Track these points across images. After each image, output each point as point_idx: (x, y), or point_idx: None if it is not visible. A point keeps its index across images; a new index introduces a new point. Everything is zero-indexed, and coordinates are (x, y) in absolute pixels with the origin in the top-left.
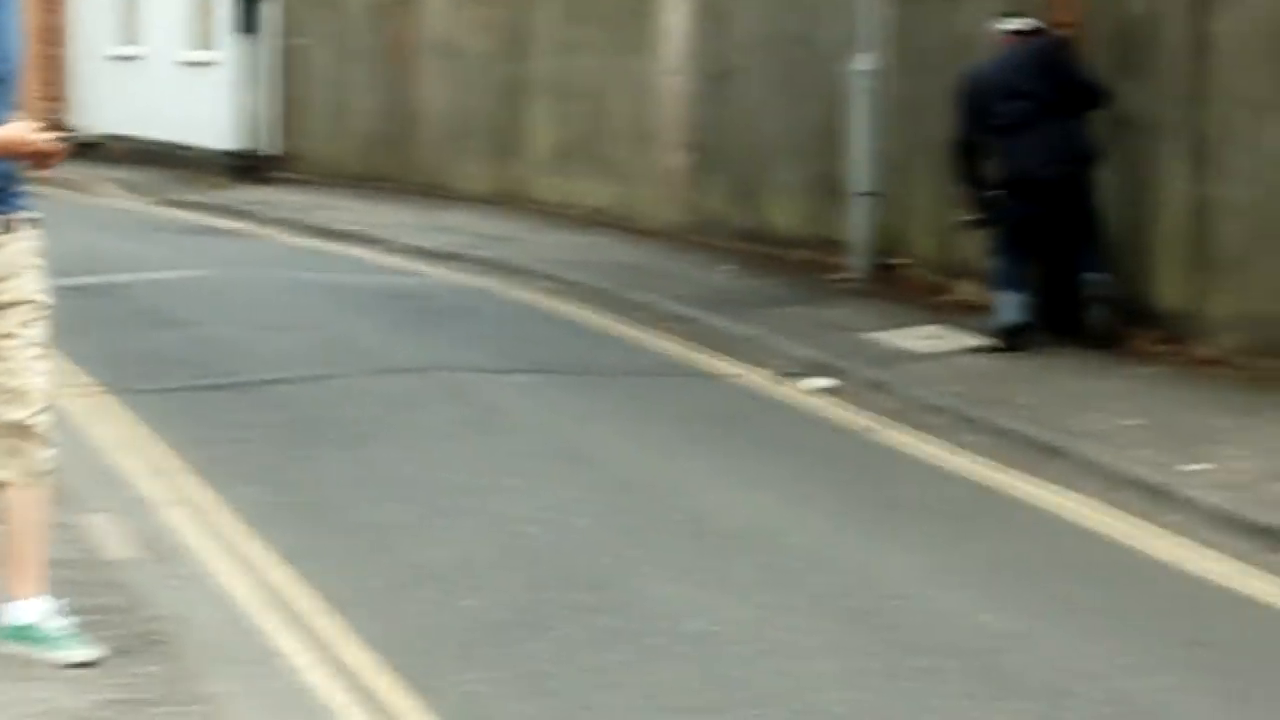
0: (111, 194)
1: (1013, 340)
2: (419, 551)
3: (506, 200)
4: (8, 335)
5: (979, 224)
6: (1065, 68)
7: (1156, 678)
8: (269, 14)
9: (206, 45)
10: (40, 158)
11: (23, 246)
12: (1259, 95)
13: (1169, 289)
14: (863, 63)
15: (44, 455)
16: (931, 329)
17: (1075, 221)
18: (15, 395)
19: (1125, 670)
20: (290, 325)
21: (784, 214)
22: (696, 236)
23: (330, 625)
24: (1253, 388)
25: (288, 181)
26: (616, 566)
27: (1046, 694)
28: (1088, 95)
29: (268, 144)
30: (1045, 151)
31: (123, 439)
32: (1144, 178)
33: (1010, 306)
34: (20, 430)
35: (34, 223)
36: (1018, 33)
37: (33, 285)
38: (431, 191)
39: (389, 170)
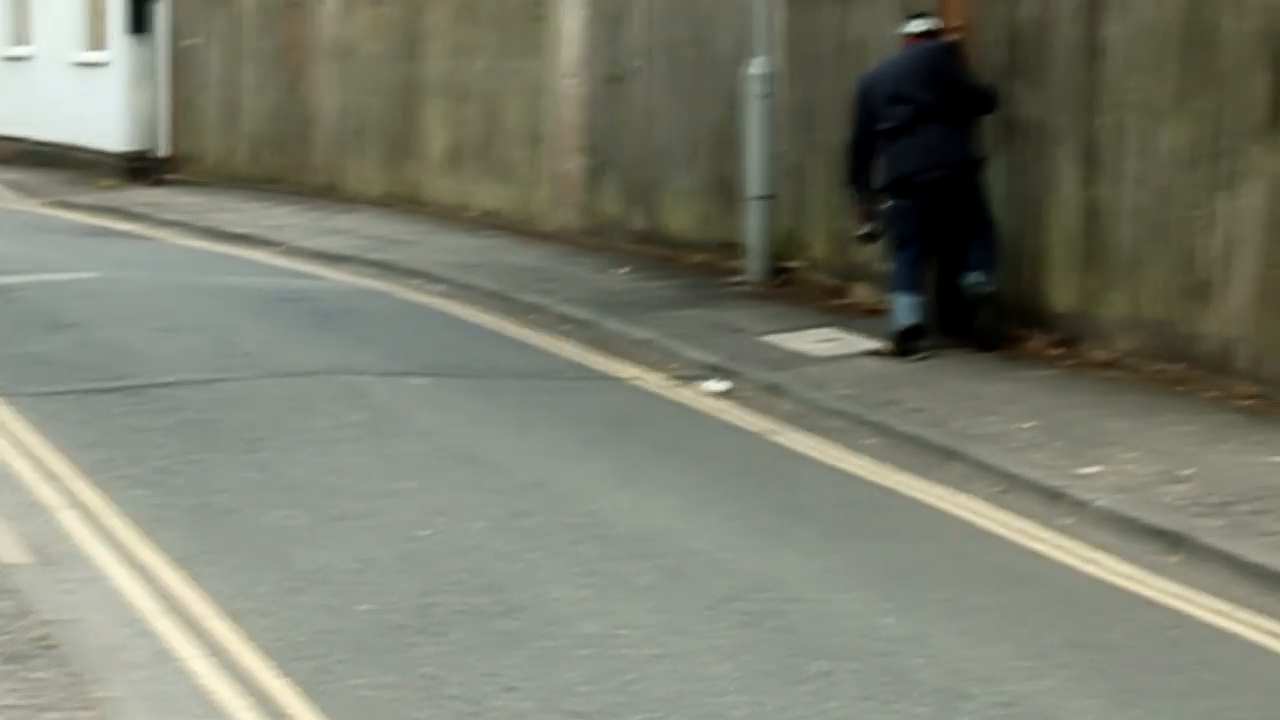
0: (0, 196)
1: (908, 343)
2: (313, 555)
3: (401, 202)
4: None
5: (869, 237)
6: (952, 72)
7: (1049, 680)
8: (161, 14)
9: (98, 45)
10: None
11: None
12: (1149, 99)
13: (1062, 292)
14: (757, 67)
15: None
16: (827, 332)
17: (959, 224)
18: None
19: (1019, 672)
20: (183, 328)
21: (680, 217)
22: (592, 240)
23: (224, 630)
24: (1145, 390)
25: (180, 183)
26: (513, 570)
27: (941, 697)
28: (975, 100)
29: (160, 145)
30: (923, 156)
31: (12, 443)
32: (1036, 181)
33: (905, 309)
34: None
35: None
36: (916, 35)
37: None
38: (325, 193)
39: (282, 172)
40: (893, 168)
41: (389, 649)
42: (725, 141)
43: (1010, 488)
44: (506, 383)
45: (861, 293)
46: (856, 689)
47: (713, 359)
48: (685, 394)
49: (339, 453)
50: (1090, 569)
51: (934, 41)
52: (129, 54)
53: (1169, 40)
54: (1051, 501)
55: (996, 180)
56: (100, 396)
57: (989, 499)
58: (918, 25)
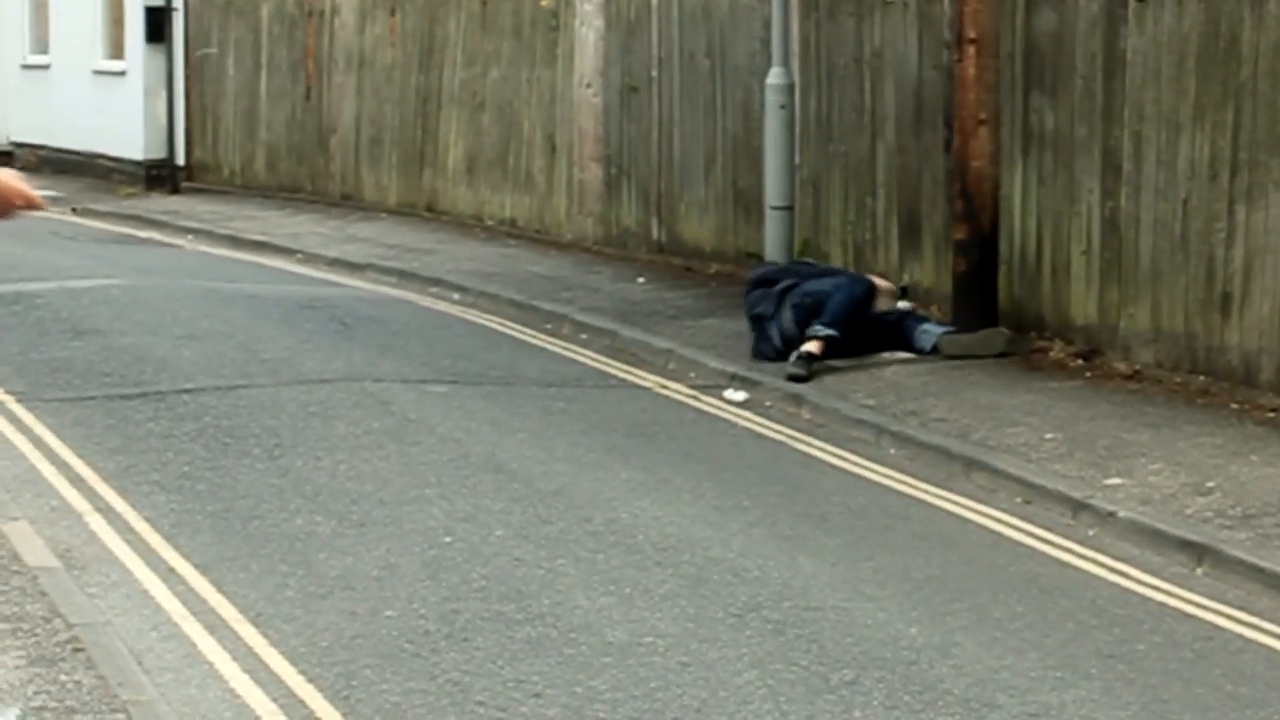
0: None
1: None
2: (337, 561)
3: (418, 211)
4: None
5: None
6: None
7: (1077, 690)
8: (178, 24)
9: (117, 54)
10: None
11: None
12: (1169, 111)
13: (1083, 303)
14: (775, 77)
15: None
16: None
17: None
18: None
19: (1046, 683)
20: (205, 335)
21: (698, 227)
22: (610, 249)
23: (250, 634)
24: (1168, 401)
25: (199, 191)
26: (536, 577)
27: (969, 706)
28: None
29: (179, 153)
30: None
31: (38, 447)
32: (1056, 193)
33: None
34: None
35: None
36: None
37: None
38: (343, 202)
39: (300, 180)
40: None
41: (415, 655)
42: (743, 152)
43: (1034, 498)
44: (527, 390)
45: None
46: (883, 698)
47: (732, 368)
48: (705, 403)
49: (361, 460)
50: (1116, 580)
51: None
52: (147, 63)
53: (1189, 52)
54: (1076, 512)
55: (1016, 192)
56: (123, 403)
57: (1012, 510)
58: None
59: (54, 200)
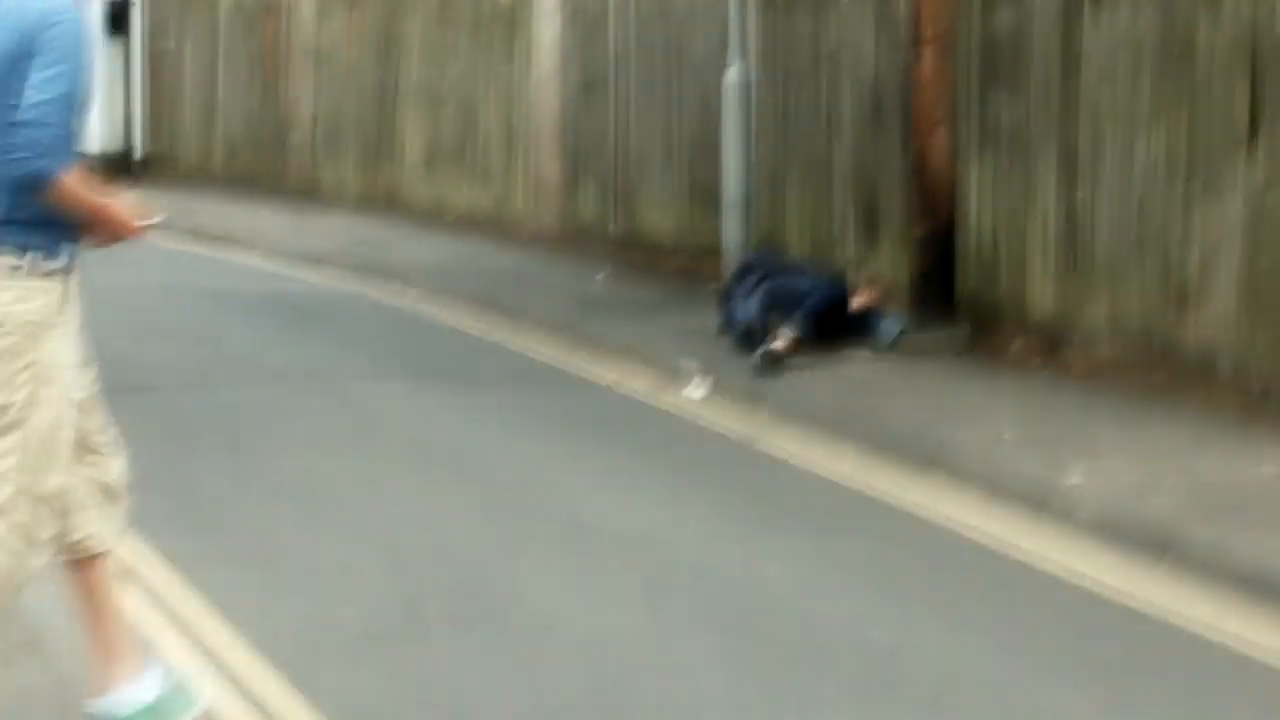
0: None
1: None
2: (297, 559)
3: (378, 205)
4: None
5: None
6: None
7: (1043, 687)
8: (138, 17)
9: None
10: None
11: None
12: (1127, 109)
13: (1042, 299)
14: (733, 74)
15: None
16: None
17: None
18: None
19: (1011, 681)
20: (165, 330)
21: (658, 222)
22: (570, 244)
23: (212, 632)
24: (1128, 398)
25: (159, 184)
26: (497, 575)
27: (933, 705)
28: None
29: (138, 147)
30: None
31: None
32: (1015, 189)
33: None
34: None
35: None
36: None
37: None
38: (303, 196)
39: (260, 174)
40: None
41: (375, 653)
42: (702, 147)
43: (996, 494)
44: (487, 386)
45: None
46: (842, 697)
47: (695, 362)
48: (666, 398)
49: (321, 456)
50: (1079, 576)
51: None
52: (108, 55)
53: (1146, 51)
54: (1036, 509)
55: (974, 189)
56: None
57: (974, 505)
58: None
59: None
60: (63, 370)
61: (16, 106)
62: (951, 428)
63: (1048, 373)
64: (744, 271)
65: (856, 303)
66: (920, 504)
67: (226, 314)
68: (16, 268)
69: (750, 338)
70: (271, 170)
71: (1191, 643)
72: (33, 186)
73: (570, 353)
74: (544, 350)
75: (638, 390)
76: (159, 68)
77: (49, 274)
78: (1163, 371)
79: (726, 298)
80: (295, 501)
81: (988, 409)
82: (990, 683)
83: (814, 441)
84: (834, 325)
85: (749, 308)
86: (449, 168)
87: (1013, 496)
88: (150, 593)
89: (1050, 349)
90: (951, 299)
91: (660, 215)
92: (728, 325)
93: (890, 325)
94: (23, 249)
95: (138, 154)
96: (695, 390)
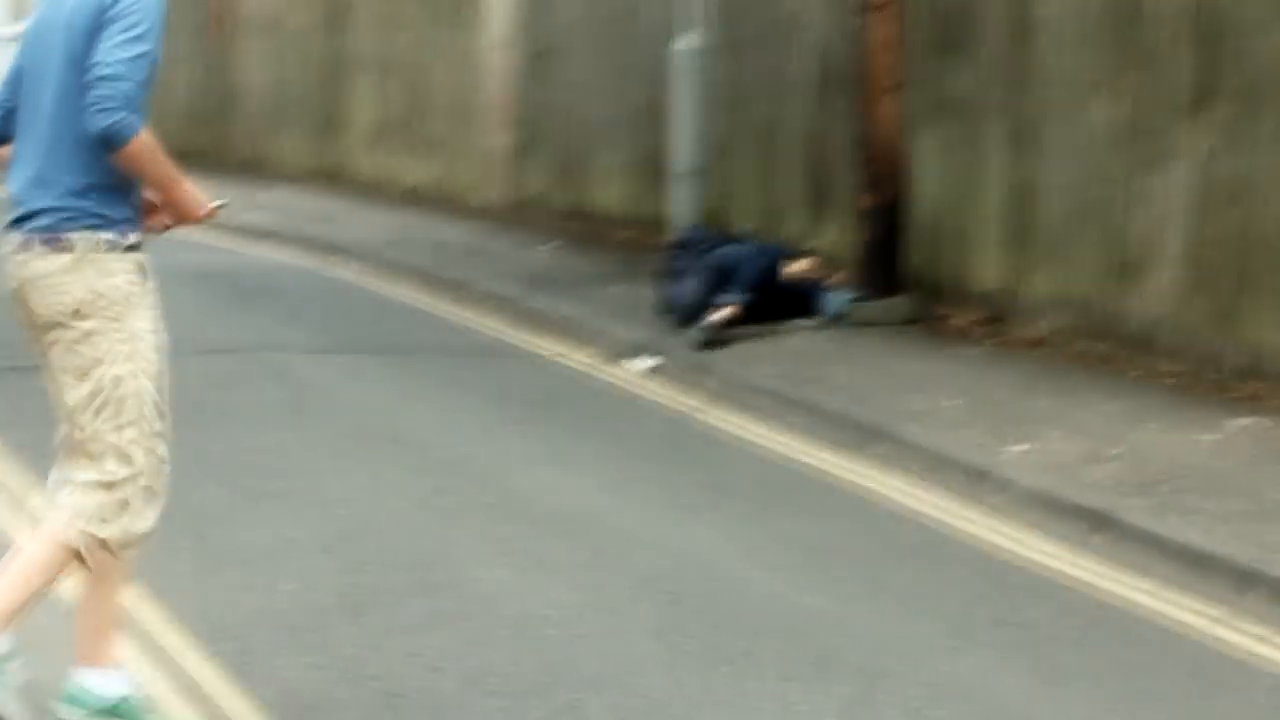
0: None
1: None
2: (233, 534)
3: (327, 177)
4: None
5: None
6: None
7: (972, 659)
8: None
9: (22, 16)
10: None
11: None
12: (1077, 78)
13: (989, 270)
14: (686, 42)
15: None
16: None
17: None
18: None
19: (942, 652)
20: None
21: (608, 193)
22: (519, 215)
23: (145, 610)
24: (1071, 369)
25: None
26: (436, 549)
27: (863, 676)
28: None
29: None
30: None
31: None
32: (964, 159)
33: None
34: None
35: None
36: None
37: None
38: (250, 168)
39: (207, 147)
40: None
41: (311, 629)
42: (654, 117)
43: (934, 466)
44: (430, 360)
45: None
46: (777, 668)
47: (638, 337)
48: (611, 371)
49: (259, 431)
50: (1015, 548)
51: None
52: None
53: (1097, 19)
54: (977, 480)
55: (923, 158)
56: (16, 375)
57: (914, 477)
58: None
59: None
60: (151, 340)
61: (96, 70)
62: (894, 399)
63: (991, 343)
64: (679, 251)
65: (794, 268)
66: (862, 474)
67: (165, 288)
68: (107, 242)
69: (692, 313)
70: (217, 143)
71: (1126, 614)
72: (112, 140)
73: (515, 326)
74: (489, 323)
75: (582, 363)
76: None
77: (131, 247)
78: (1106, 343)
79: (664, 279)
80: (231, 477)
81: (930, 381)
82: (921, 655)
83: (757, 414)
84: (778, 299)
85: (688, 285)
86: (397, 139)
87: (953, 468)
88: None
89: (995, 320)
90: (898, 271)
91: (609, 187)
92: (669, 306)
93: (837, 298)
94: (108, 223)
95: None
96: (640, 363)
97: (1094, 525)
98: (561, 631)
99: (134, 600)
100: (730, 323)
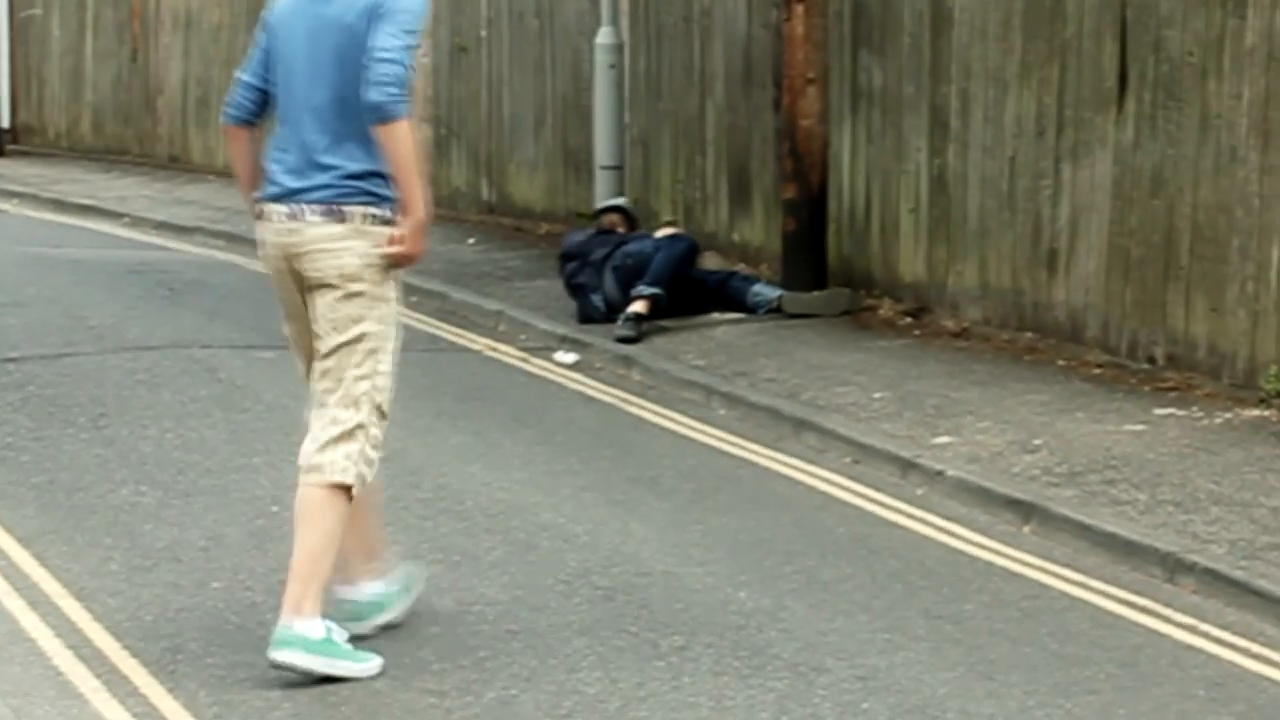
0: None
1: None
2: (163, 532)
3: None
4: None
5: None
6: None
7: (905, 652)
8: None
9: None
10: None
11: None
12: (996, 69)
13: (911, 261)
14: (604, 36)
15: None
16: None
17: None
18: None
19: (874, 645)
20: (29, 301)
21: (528, 188)
22: (440, 210)
23: (75, 609)
24: (996, 359)
25: (24, 154)
26: None
27: (797, 670)
28: None
29: (2, 116)
30: None
31: None
32: (884, 151)
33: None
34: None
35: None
36: None
37: None
38: (171, 165)
39: (128, 143)
40: None
41: (241, 627)
42: (573, 112)
43: (862, 458)
44: None
45: (711, 261)
46: (711, 663)
47: (562, 330)
48: (536, 365)
49: (188, 428)
50: (944, 539)
51: None
52: None
53: (1014, 10)
54: (904, 472)
55: (845, 150)
56: None
57: (841, 470)
58: None
59: None
60: (396, 309)
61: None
62: (821, 391)
63: (917, 335)
64: (574, 265)
65: (661, 232)
66: (790, 467)
67: (91, 284)
68: (378, 218)
69: (613, 310)
70: (140, 139)
71: (1057, 602)
72: (383, 113)
73: (440, 320)
74: (414, 317)
75: (511, 356)
76: (25, 37)
77: (389, 222)
78: (1030, 333)
79: (573, 293)
80: (160, 475)
81: (857, 372)
82: (855, 648)
83: (684, 405)
84: (696, 291)
85: (607, 289)
86: None
87: (881, 458)
88: (10, 572)
89: (920, 311)
90: (822, 261)
91: (531, 181)
92: (585, 315)
93: (764, 290)
94: (379, 202)
95: (4, 123)
96: (567, 357)
97: (1022, 516)
98: (493, 628)
99: (63, 599)
100: (651, 315)
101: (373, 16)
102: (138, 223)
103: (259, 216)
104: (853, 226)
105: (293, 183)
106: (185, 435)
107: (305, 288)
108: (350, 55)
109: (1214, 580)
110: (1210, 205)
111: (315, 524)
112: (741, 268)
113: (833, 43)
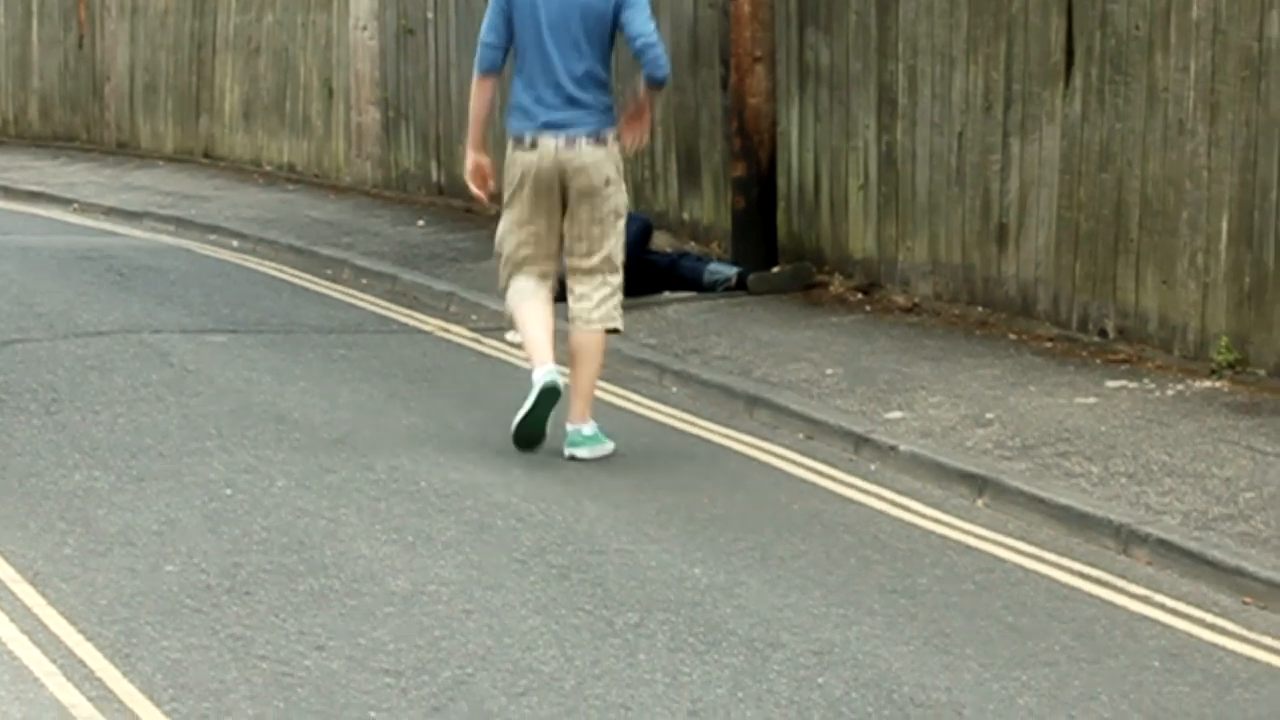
0: None
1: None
2: (116, 517)
3: (195, 158)
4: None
5: None
6: None
7: (860, 627)
8: None
9: None
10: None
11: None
12: (943, 45)
13: (862, 237)
14: None
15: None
16: None
17: None
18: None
19: (829, 620)
20: None
21: None
22: (390, 193)
23: (29, 594)
24: (947, 333)
25: None
26: (319, 527)
27: (752, 646)
28: None
29: None
30: None
31: None
32: (833, 128)
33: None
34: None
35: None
36: None
37: None
38: (119, 150)
39: (75, 129)
40: None
41: (196, 610)
42: None
43: (815, 434)
44: (308, 338)
45: (660, 240)
46: (667, 640)
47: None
48: (488, 346)
49: (140, 413)
50: (898, 514)
51: None
52: None
53: None
54: (857, 447)
55: (793, 128)
56: None
57: (795, 446)
58: None
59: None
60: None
61: (631, 38)
62: (773, 367)
63: (868, 310)
64: None
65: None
66: (743, 444)
67: (40, 271)
68: (616, 138)
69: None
70: (87, 125)
71: (1012, 575)
72: (664, 84)
73: (392, 301)
74: (366, 299)
75: (462, 337)
76: None
77: (617, 136)
78: (981, 308)
79: None
80: (112, 459)
81: (809, 348)
82: (810, 624)
83: (637, 384)
84: (649, 271)
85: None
86: (267, 118)
87: (834, 434)
88: None
89: (871, 287)
90: (773, 239)
91: None
92: None
93: (721, 269)
94: (615, 125)
95: None
96: (517, 337)
97: (975, 489)
98: (449, 608)
99: (17, 585)
100: None
101: (620, 5)
102: (87, 209)
103: (528, 146)
104: (802, 204)
105: (562, 118)
106: (137, 420)
107: (577, 190)
108: (596, 32)
109: (1168, 551)
110: (1159, 178)
111: (595, 358)
112: (692, 246)
113: (779, 21)
